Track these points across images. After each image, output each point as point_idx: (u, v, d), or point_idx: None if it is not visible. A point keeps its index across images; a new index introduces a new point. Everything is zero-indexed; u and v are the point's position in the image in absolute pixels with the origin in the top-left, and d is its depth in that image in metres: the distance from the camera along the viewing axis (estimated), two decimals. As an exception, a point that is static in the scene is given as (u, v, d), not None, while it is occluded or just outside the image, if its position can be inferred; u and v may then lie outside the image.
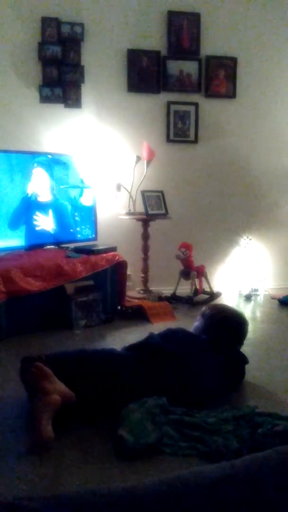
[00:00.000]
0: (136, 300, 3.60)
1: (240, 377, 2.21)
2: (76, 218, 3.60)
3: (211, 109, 4.09)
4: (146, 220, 3.76)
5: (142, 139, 3.84)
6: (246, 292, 4.07)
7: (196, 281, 3.86)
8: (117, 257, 3.47)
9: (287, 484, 0.91)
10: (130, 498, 0.93)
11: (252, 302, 3.94)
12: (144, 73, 3.91)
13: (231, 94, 4.08)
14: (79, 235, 3.63)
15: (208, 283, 3.97)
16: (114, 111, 3.90)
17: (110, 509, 0.90)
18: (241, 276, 4.19)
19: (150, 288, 3.86)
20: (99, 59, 3.83)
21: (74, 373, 1.86)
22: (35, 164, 3.31)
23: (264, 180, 4.26)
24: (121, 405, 1.76)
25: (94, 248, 3.44)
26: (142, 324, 3.23)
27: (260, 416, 1.79)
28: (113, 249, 3.53)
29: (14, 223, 3.23)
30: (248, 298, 4.00)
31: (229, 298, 4.00)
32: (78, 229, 3.62)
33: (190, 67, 3.99)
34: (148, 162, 3.80)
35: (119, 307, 3.48)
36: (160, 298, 3.72)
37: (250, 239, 4.21)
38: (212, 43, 4.00)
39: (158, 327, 3.00)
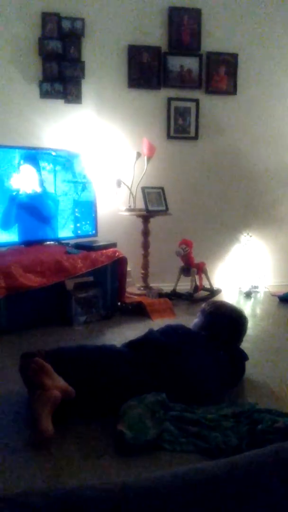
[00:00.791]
0: (136, 297, 3.60)
1: (240, 374, 2.21)
2: (77, 214, 3.59)
3: (212, 106, 4.08)
4: (146, 216, 3.76)
5: (142, 135, 3.84)
6: (246, 289, 4.07)
7: (196, 277, 3.86)
8: (117, 253, 3.47)
9: (287, 480, 0.91)
10: (129, 494, 0.93)
11: (252, 299, 3.94)
12: (145, 69, 3.90)
13: (232, 91, 4.07)
14: (79, 231, 3.62)
15: (208, 279, 3.97)
16: (115, 107, 3.89)
17: (109, 504, 0.90)
18: (241, 273, 4.19)
19: (150, 285, 3.86)
20: (100, 54, 3.82)
21: (73, 369, 1.86)
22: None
23: (265, 176, 4.25)
24: (121, 401, 1.76)
25: (94, 244, 3.43)
26: (142, 320, 3.24)
27: (259, 413, 1.79)
28: (113, 245, 3.52)
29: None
30: (248, 295, 4.00)
31: (229, 295, 4.00)
32: (78, 225, 3.62)
33: (190, 63, 3.98)
34: (149, 158, 3.79)
35: (119, 303, 3.48)
36: (160, 295, 3.72)
37: (250, 236, 4.21)
38: (213, 39, 3.99)
39: (158, 323, 3.01)
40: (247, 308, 3.65)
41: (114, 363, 1.92)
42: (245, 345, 2.41)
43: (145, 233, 3.79)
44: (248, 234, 4.22)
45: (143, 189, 3.74)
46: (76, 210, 3.59)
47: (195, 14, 3.91)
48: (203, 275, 3.92)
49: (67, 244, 3.48)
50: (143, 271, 3.84)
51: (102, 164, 3.82)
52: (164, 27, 3.90)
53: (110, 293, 3.41)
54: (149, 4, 3.84)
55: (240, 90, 4.09)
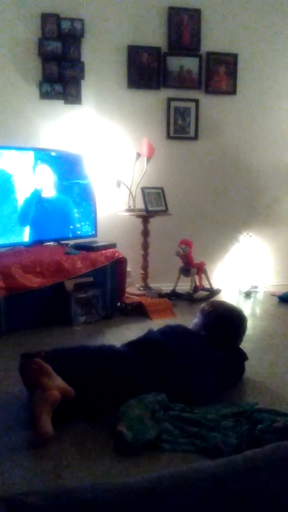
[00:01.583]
0: (136, 297, 3.60)
1: (240, 374, 2.21)
2: (76, 214, 3.60)
3: (212, 106, 4.08)
4: (146, 216, 3.76)
5: (142, 135, 3.84)
6: (245, 289, 4.07)
7: (196, 277, 3.86)
8: (116, 254, 3.47)
9: (287, 479, 0.91)
10: (129, 494, 0.93)
11: (252, 299, 3.94)
12: (144, 69, 3.90)
13: (232, 91, 4.08)
14: (79, 232, 3.63)
15: (208, 279, 3.98)
16: (114, 108, 3.89)
17: (109, 505, 0.90)
18: (240, 273, 4.19)
19: (150, 285, 3.86)
20: (99, 55, 3.82)
21: (73, 369, 1.86)
22: (39, 161, 3.30)
23: (264, 176, 4.25)
24: (120, 401, 1.76)
25: (94, 245, 3.43)
26: (141, 320, 3.24)
27: (259, 413, 1.79)
28: (113, 245, 3.53)
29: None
30: (247, 295, 4.00)
31: (229, 295, 4.00)
32: (78, 225, 3.62)
33: (190, 64, 3.98)
34: (148, 159, 3.80)
35: (118, 304, 3.48)
36: (160, 295, 3.72)
37: (250, 236, 4.21)
38: (213, 40, 3.99)
39: (157, 323, 3.01)
40: (246, 308, 3.65)
41: (113, 363, 1.92)
42: (245, 345, 2.41)
43: (145, 233, 3.79)
44: (247, 234, 4.22)
45: (142, 189, 3.74)
46: (76, 210, 3.59)
47: (195, 14, 3.91)
48: (202, 275, 3.92)
49: (67, 244, 3.48)
50: (142, 272, 3.85)
51: (102, 165, 3.83)
52: (163, 27, 3.90)
53: (109, 294, 3.41)
54: (148, 5, 3.85)
55: (240, 90, 4.10)
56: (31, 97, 3.73)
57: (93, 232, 3.70)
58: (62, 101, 3.79)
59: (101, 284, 3.33)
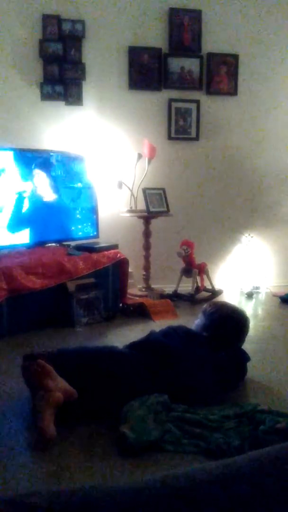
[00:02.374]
0: (138, 298, 3.60)
1: (242, 375, 2.21)
2: (78, 215, 3.60)
3: (213, 107, 4.08)
4: (147, 217, 3.76)
5: (143, 136, 3.84)
6: (247, 289, 4.06)
7: (198, 278, 3.86)
8: (118, 255, 3.47)
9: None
10: (132, 495, 0.93)
11: (254, 299, 3.94)
12: (145, 70, 3.90)
13: (233, 92, 4.08)
14: (80, 233, 3.63)
15: (210, 280, 3.97)
16: (115, 109, 3.90)
17: (112, 506, 0.90)
18: (242, 273, 4.19)
19: (152, 286, 3.86)
20: (100, 56, 3.83)
21: (75, 370, 1.86)
22: (33, 165, 3.28)
23: (266, 177, 4.25)
24: (123, 403, 1.76)
25: (95, 246, 3.44)
26: (143, 321, 3.24)
27: (261, 414, 1.78)
28: (115, 246, 3.53)
29: (14, 226, 3.21)
30: (249, 295, 4.00)
31: (231, 296, 4.00)
32: (79, 226, 3.62)
33: (191, 64, 3.98)
34: (150, 160, 3.80)
35: (120, 305, 3.48)
36: (162, 296, 3.72)
37: (251, 237, 4.21)
38: (214, 40, 4.00)
39: (159, 324, 3.01)
40: (248, 308, 3.64)
41: (116, 365, 1.92)
42: (247, 345, 2.40)
43: (147, 234, 3.79)
44: (249, 234, 4.21)
45: (144, 190, 3.74)
46: (78, 211, 3.59)
47: (196, 15, 3.91)
48: (204, 276, 3.92)
49: (69, 245, 3.48)
50: (144, 272, 3.85)
51: (103, 166, 3.83)
52: (164, 28, 3.91)
53: (111, 295, 3.41)
54: (149, 6, 3.85)
55: (241, 90, 4.10)
56: (32, 98, 3.74)
57: (95, 233, 3.70)
58: (63, 102, 3.79)
59: (103, 285, 3.33)
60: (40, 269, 3.02)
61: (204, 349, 2.15)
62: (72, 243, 3.53)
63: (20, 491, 1.38)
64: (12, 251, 3.22)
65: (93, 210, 3.69)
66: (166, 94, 3.98)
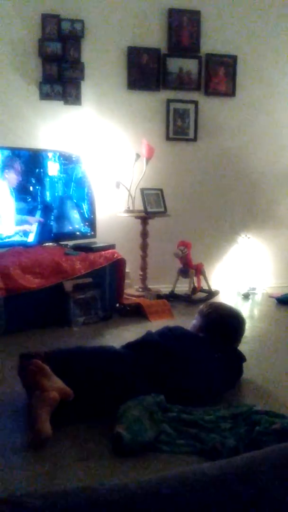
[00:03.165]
0: (135, 298, 3.60)
1: (238, 375, 2.22)
2: (76, 215, 3.60)
3: (211, 107, 4.09)
4: (145, 218, 3.76)
5: (141, 136, 3.84)
6: (244, 290, 4.07)
7: (195, 279, 3.86)
8: (115, 255, 3.47)
9: (286, 482, 0.92)
10: (127, 495, 0.93)
11: (250, 300, 3.95)
12: (144, 71, 3.91)
13: (231, 92, 4.08)
14: (78, 232, 3.62)
15: (206, 281, 3.98)
16: (114, 109, 3.90)
17: (107, 506, 0.90)
18: (239, 274, 4.20)
19: (149, 286, 3.87)
20: (99, 56, 3.83)
21: (72, 370, 1.86)
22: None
23: (263, 178, 4.26)
24: (119, 403, 1.76)
25: (93, 246, 3.44)
26: (140, 322, 3.24)
27: (257, 414, 1.79)
28: (112, 246, 3.53)
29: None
30: (246, 296, 4.01)
31: (227, 297, 4.00)
32: (77, 226, 3.62)
33: (190, 65, 3.99)
34: (148, 160, 3.80)
35: (117, 305, 3.48)
36: (159, 296, 3.72)
37: (248, 237, 4.22)
38: (212, 41, 4.00)
39: (156, 325, 3.01)
40: (245, 309, 3.65)
41: (112, 365, 1.92)
42: (243, 346, 2.41)
43: (144, 234, 3.79)
44: (246, 235, 4.22)
45: (142, 190, 3.74)
46: (75, 211, 3.59)
47: (195, 16, 3.92)
48: (201, 277, 3.93)
49: (66, 245, 3.48)
50: (141, 273, 3.85)
51: (101, 166, 3.83)
52: (163, 28, 3.91)
53: (108, 295, 3.41)
54: (148, 6, 3.85)
55: (239, 91, 4.10)
56: (31, 98, 3.74)
57: (92, 233, 3.70)
58: (62, 102, 3.79)
59: (100, 285, 3.32)
60: (37, 268, 3.01)
61: (200, 349, 2.15)
62: (70, 243, 3.53)
63: (15, 491, 1.38)
64: (9, 250, 3.21)
65: (91, 210, 3.69)
66: (164, 95, 3.99)
